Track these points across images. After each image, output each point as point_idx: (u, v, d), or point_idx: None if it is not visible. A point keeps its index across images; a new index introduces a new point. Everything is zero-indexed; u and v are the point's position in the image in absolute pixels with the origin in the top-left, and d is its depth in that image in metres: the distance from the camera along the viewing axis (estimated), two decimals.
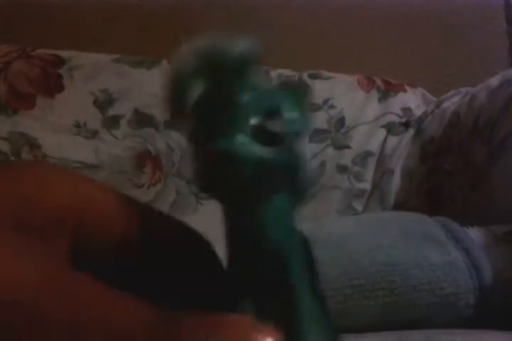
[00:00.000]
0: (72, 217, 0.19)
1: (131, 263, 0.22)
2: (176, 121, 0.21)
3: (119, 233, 0.21)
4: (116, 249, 0.21)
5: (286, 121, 0.20)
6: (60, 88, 0.88)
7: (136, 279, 0.22)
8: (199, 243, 0.23)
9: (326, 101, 0.95)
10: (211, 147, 0.19)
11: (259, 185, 0.20)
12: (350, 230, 0.49)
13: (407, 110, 0.98)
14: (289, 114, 0.21)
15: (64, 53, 0.90)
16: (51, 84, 0.88)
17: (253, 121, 0.20)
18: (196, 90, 0.20)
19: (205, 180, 0.20)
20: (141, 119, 0.89)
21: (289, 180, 0.20)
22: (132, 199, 0.22)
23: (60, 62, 0.89)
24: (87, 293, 0.16)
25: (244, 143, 0.19)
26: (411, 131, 0.93)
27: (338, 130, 0.95)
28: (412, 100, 1.00)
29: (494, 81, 0.74)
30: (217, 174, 0.19)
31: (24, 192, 0.18)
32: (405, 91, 1.00)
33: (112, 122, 0.88)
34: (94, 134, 0.87)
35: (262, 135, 0.20)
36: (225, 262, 0.21)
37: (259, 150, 0.19)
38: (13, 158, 0.82)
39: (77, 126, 0.87)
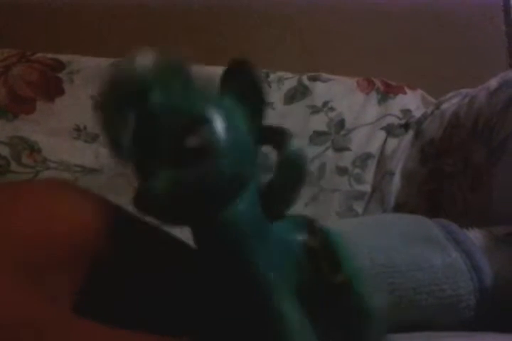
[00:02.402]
0: (72, 248, 0.19)
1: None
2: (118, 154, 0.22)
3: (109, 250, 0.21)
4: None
5: (210, 131, 0.20)
6: (60, 92, 0.88)
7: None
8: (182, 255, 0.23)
9: (325, 103, 0.95)
10: (137, 192, 0.20)
11: (196, 208, 0.20)
12: (351, 232, 0.49)
13: (406, 112, 0.98)
14: (214, 121, 0.20)
15: (64, 57, 0.90)
16: (51, 88, 0.88)
17: (171, 143, 0.20)
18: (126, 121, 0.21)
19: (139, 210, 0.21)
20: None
21: (236, 188, 0.20)
22: (123, 212, 0.22)
23: (60, 66, 0.89)
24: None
25: (161, 179, 0.19)
26: (411, 133, 0.93)
27: (338, 132, 0.95)
28: (411, 102, 1.00)
29: (493, 82, 0.74)
30: (145, 209, 0.20)
31: (25, 229, 0.18)
32: (405, 93, 1.00)
33: None
34: (94, 138, 0.87)
35: (185, 153, 0.19)
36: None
37: (177, 178, 0.19)
38: (13, 162, 0.82)
39: (78, 129, 0.87)
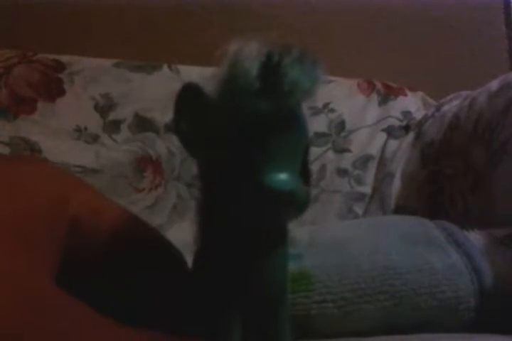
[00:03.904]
0: (65, 218, 0.19)
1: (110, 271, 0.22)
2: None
3: (106, 231, 0.21)
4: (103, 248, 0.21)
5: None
6: (61, 93, 0.88)
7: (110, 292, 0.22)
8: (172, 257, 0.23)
9: (326, 104, 0.96)
10: (266, 178, 0.18)
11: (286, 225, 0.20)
12: (351, 234, 0.49)
13: (407, 113, 0.98)
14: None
15: (65, 58, 0.90)
16: (52, 88, 0.88)
17: (301, 157, 0.19)
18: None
19: (238, 213, 0.19)
20: (142, 124, 0.89)
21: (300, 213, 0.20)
22: (118, 206, 0.22)
23: (61, 66, 0.89)
24: (62, 309, 0.16)
25: (297, 183, 0.18)
26: (411, 135, 0.93)
27: (339, 133, 0.95)
28: (412, 104, 1.00)
29: (494, 84, 0.74)
30: (259, 211, 0.18)
31: (21, 198, 0.18)
32: (405, 94, 1.00)
33: (113, 126, 0.88)
34: (95, 139, 0.87)
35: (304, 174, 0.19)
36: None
37: (304, 192, 0.18)
38: None
39: (78, 130, 0.87)
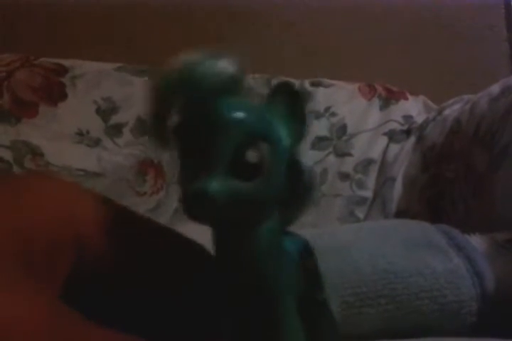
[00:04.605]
0: (71, 236, 0.19)
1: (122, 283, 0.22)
2: (159, 142, 0.22)
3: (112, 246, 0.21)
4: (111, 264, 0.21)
5: (270, 148, 0.20)
6: (63, 96, 0.88)
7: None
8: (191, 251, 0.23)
9: (327, 108, 0.96)
10: (188, 189, 0.19)
11: (236, 220, 0.20)
12: (352, 238, 0.49)
13: (408, 118, 0.98)
14: (274, 137, 0.21)
15: (67, 62, 0.91)
16: (54, 92, 0.88)
17: (232, 154, 0.20)
18: (177, 110, 0.20)
19: (187, 212, 0.20)
20: (144, 127, 0.89)
21: (272, 206, 0.21)
22: (126, 210, 0.22)
23: (63, 70, 0.90)
24: (75, 332, 0.16)
25: (218, 183, 0.19)
26: (412, 139, 0.93)
27: (340, 137, 0.95)
28: (413, 108, 1.00)
29: (495, 88, 0.75)
30: (196, 210, 0.20)
31: (24, 220, 0.18)
32: (406, 98, 1.01)
33: (115, 130, 0.89)
34: (96, 142, 0.87)
35: (242, 166, 0.20)
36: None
37: (232, 187, 0.20)
38: (15, 166, 0.82)
39: (80, 134, 0.87)
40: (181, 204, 0.20)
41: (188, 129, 0.20)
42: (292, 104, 0.22)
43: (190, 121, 0.20)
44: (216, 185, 0.19)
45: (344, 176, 0.93)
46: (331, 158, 0.93)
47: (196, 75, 0.20)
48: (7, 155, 0.83)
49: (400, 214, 0.87)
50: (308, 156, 0.88)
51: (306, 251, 0.23)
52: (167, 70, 0.21)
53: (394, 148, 0.94)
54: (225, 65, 0.20)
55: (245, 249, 0.21)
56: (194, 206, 0.20)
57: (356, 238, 0.49)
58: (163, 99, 0.20)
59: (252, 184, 0.20)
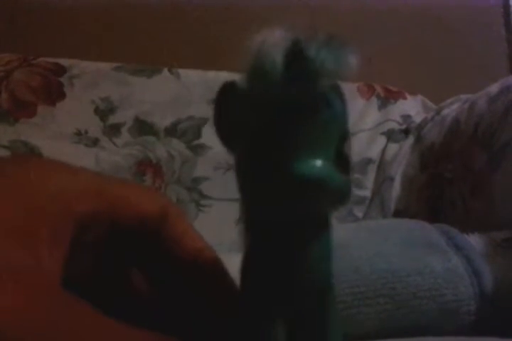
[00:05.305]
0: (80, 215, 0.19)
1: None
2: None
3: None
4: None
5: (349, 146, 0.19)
6: (61, 96, 0.88)
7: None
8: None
9: None
10: (294, 171, 0.17)
11: (326, 217, 0.19)
12: (351, 237, 0.49)
13: (406, 117, 0.98)
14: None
15: (65, 61, 0.90)
16: (52, 92, 0.88)
17: (335, 144, 0.18)
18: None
19: (269, 204, 0.18)
20: (142, 127, 0.89)
21: (340, 205, 0.19)
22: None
23: (61, 70, 0.89)
24: (75, 319, 0.16)
25: (329, 171, 0.17)
26: (411, 138, 0.93)
27: None
28: (411, 107, 1.00)
29: (494, 88, 0.75)
30: (290, 201, 0.18)
31: (29, 199, 0.18)
32: (405, 98, 1.01)
33: (113, 130, 0.88)
34: (95, 142, 0.87)
35: (341, 161, 0.18)
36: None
37: (340, 180, 0.18)
38: None
39: (78, 134, 0.87)
40: (259, 186, 0.18)
41: (289, 109, 0.18)
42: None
43: (293, 99, 0.18)
44: (327, 169, 0.17)
45: None
46: None
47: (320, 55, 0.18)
48: (5, 155, 0.83)
49: (399, 213, 0.87)
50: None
51: None
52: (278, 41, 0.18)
53: (392, 147, 0.94)
54: (348, 56, 0.19)
55: (315, 249, 0.19)
56: (290, 187, 0.17)
57: (355, 237, 0.49)
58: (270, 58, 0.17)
59: (348, 179, 0.18)
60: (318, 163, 0.17)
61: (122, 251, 0.22)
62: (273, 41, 0.18)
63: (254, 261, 0.20)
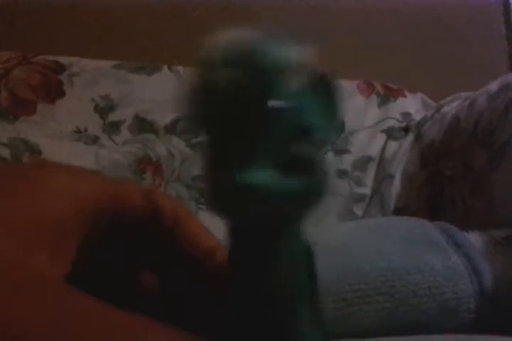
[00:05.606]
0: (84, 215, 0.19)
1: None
2: (192, 123, 0.18)
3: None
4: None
5: (315, 143, 0.18)
6: (61, 94, 0.88)
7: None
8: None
9: None
10: (226, 177, 0.16)
11: (275, 220, 0.18)
12: (350, 235, 0.49)
13: (406, 115, 0.98)
14: (321, 132, 0.18)
15: (64, 59, 0.90)
16: (52, 90, 0.88)
17: (279, 144, 0.17)
18: (222, 85, 0.17)
19: (218, 203, 0.18)
20: (142, 125, 0.89)
21: (307, 208, 0.19)
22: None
23: (61, 68, 0.89)
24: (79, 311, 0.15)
25: (265, 176, 0.17)
26: (411, 136, 0.93)
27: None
28: (411, 105, 1.00)
29: (494, 86, 0.74)
30: (231, 204, 0.17)
31: (29, 204, 0.18)
32: (405, 96, 1.01)
33: (113, 128, 0.88)
34: (94, 140, 0.87)
35: (287, 160, 0.17)
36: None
37: (281, 183, 0.17)
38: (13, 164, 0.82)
39: (78, 132, 0.87)
40: (208, 194, 0.17)
41: (235, 110, 0.17)
42: (330, 97, 0.20)
43: (240, 100, 0.17)
44: (263, 176, 0.16)
45: (342, 173, 0.93)
46: (329, 155, 0.93)
47: (263, 50, 0.17)
48: (5, 152, 0.82)
49: (399, 211, 0.87)
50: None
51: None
52: (217, 44, 0.17)
53: (392, 145, 0.94)
54: (298, 48, 0.18)
55: (279, 251, 0.19)
56: (230, 198, 0.17)
57: (355, 235, 0.49)
58: (213, 71, 0.17)
59: (301, 181, 0.18)
60: (255, 170, 0.17)
61: (133, 251, 0.22)
62: (221, 39, 0.17)
63: (231, 266, 0.20)
